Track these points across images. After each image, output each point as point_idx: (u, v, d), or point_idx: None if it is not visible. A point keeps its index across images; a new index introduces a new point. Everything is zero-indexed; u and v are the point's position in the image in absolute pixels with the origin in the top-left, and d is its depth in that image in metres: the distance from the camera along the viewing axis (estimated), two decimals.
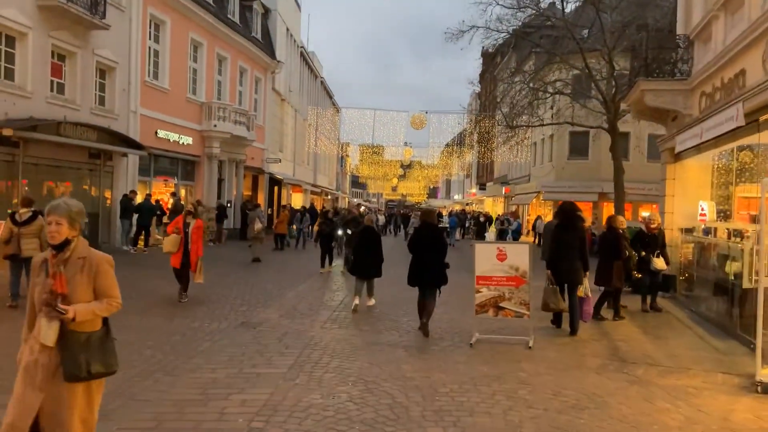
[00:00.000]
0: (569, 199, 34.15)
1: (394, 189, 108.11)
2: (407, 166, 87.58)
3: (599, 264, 9.45)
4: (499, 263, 7.59)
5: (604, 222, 16.35)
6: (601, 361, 6.97)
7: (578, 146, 35.02)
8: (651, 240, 9.99)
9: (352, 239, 12.09)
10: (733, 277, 8.50)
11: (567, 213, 8.51)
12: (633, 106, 12.42)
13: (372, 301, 10.64)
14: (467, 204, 66.01)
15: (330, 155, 54.68)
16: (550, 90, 27.71)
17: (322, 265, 15.64)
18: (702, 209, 10.88)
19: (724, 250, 9.22)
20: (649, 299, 10.42)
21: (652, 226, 10.01)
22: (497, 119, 30.30)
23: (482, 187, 59.97)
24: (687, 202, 11.23)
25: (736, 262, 8.62)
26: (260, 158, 30.49)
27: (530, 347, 7.41)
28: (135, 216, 17.52)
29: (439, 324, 8.86)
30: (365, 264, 10.45)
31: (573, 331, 8.22)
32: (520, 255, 7.56)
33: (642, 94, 11.11)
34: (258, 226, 17.18)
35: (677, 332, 8.96)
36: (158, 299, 10.28)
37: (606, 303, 9.62)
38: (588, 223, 17.38)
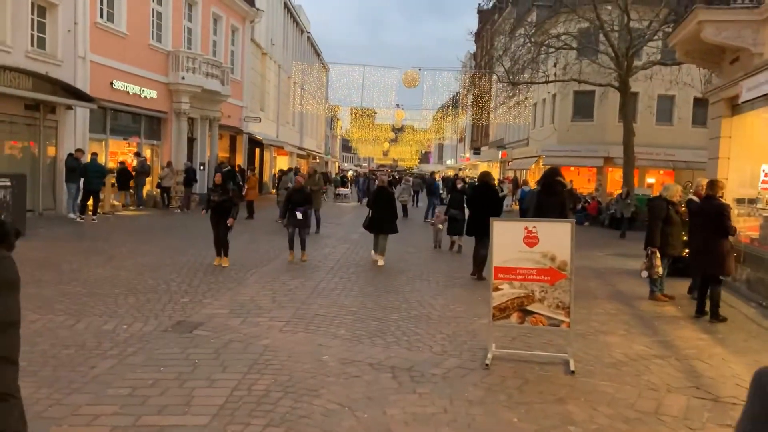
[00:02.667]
0: (573, 164, 32.11)
1: (385, 153, 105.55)
2: (399, 130, 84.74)
3: (705, 246, 7.11)
4: (527, 249, 5.32)
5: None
6: (685, 399, 4.74)
7: (583, 107, 32.58)
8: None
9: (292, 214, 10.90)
10: None
11: (547, 178, 8.86)
12: (681, 44, 10.06)
13: (381, 261, 10.97)
14: (460, 169, 63.68)
15: (318, 116, 51.87)
16: (556, 44, 25.15)
17: (291, 248, 10.94)
18: (766, 174, 8.66)
19: None
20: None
21: (703, 192, 7.78)
22: (498, 75, 27.70)
23: (476, 151, 57.51)
24: (746, 166, 8.99)
25: None
26: (238, 117, 27.86)
27: (573, 372, 5.19)
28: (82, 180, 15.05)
29: (441, 328, 6.64)
30: (381, 221, 11.18)
31: None
32: (559, 238, 5.29)
33: (699, 27, 8.72)
34: None
35: (761, 340, 6.80)
36: (77, 285, 7.96)
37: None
38: (570, 187, 15.11)
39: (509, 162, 42.78)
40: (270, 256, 11.30)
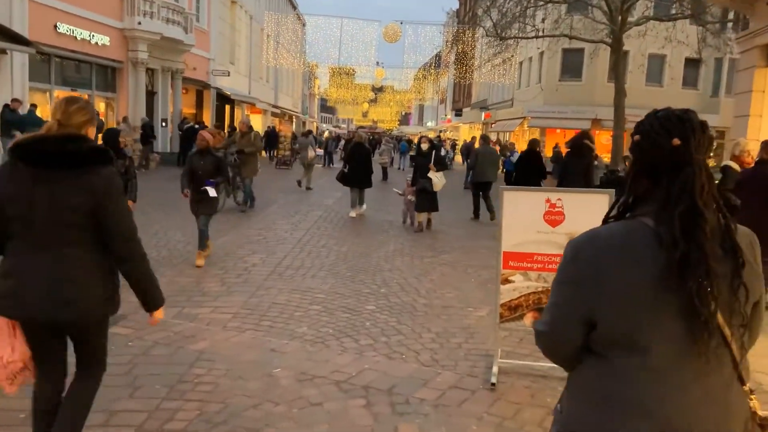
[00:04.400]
0: (559, 126, 30.77)
1: (364, 114, 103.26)
2: (379, 90, 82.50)
3: (761, 226, 5.53)
4: (548, 229, 3.95)
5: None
6: None
7: (572, 66, 31.10)
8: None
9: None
10: None
11: (576, 140, 8.98)
12: None
13: (363, 209, 11.57)
14: (441, 131, 62.07)
15: (294, 73, 49.57)
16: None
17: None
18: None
19: None
20: None
21: (748, 159, 6.42)
22: (485, 29, 25.98)
23: (458, 113, 55.80)
24: None
25: None
26: (205, 70, 25.83)
27: None
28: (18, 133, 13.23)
29: (428, 323, 5.28)
30: (358, 176, 11.55)
31: None
32: (592, 214, 3.88)
33: None
34: (311, 154, 16.25)
35: None
36: None
37: None
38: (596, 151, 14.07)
39: (492, 124, 41.31)
40: (228, 225, 9.83)
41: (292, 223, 10.36)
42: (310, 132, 22.33)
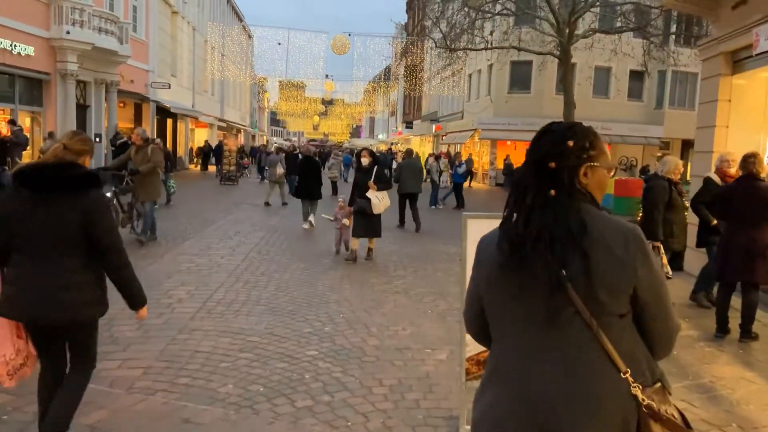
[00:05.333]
0: (509, 138, 30.73)
1: (315, 128, 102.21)
2: (329, 103, 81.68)
3: (750, 243, 5.21)
4: None
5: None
6: None
7: (520, 78, 31.16)
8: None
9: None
10: None
11: None
12: None
13: (307, 225, 11.57)
14: (392, 143, 61.75)
15: (242, 86, 48.33)
16: (493, 10, 23.42)
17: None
18: None
19: None
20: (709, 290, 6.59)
21: (731, 171, 5.95)
22: (435, 41, 25.66)
23: (409, 125, 55.56)
24: (748, 138, 7.32)
25: None
26: (143, 82, 24.52)
27: None
28: None
29: (380, 372, 4.50)
30: (308, 188, 11.86)
31: None
32: None
33: None
34: (280, 171, 16.48)
35: None
36: None
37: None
38: None
39: (443, 136, 41.12)
40: (160, 250, 8.83)
41: (230, 247, 9.44)
42: (280, 149, 21.54)
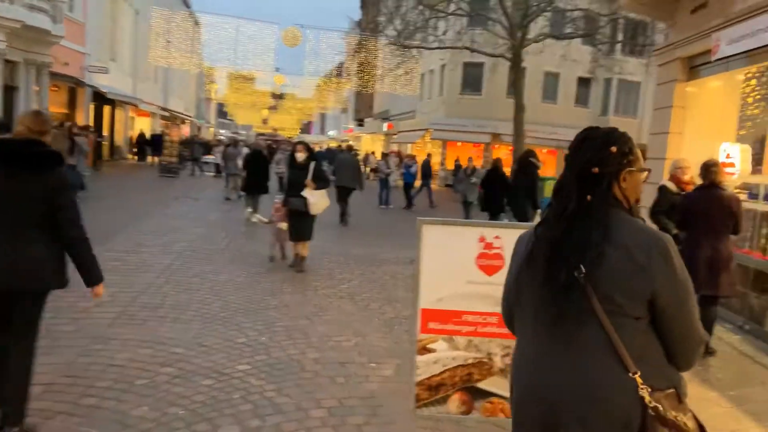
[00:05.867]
0: (460, 139, 30.77)
1: (264, 121, 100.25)
2: (279, 96, 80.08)
3: (714, 255, 4.97)
4: (484, 278, 2.88)
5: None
6: None
7: (472, 80, 31.20)
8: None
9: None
10: None
11: (522, 159, 9.60)
12: None
13: (254, 218, 10.62)
14: (343, 141, 61.18)
15: (188, 75, 46.65)
16: (447, 9, 23.32)
17: None
18: (728, 155, 6.96)
19: None
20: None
21: (685, 178, 5.76)
22: (389, 37, 25.35)
23: (360, 123, 55.13)
24: (702, 145, 7.23)
25: None
26: (79, 65, 23.09)
27: None
28: None
29: (319, 391, 4.02)
30: (256, 182, 11.77)
31: None
32: None
33: None
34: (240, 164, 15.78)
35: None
36: None
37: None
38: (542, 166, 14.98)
39: (395, 135, 40.86)
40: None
41: (163, 244, 8.75)
42: (239, 142, 20.76)
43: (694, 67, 7.40)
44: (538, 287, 1.66)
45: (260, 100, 74.62)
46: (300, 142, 8.46)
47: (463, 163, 28.46)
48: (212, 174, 23.27)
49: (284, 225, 7.98)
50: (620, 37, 27.36)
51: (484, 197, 11.30)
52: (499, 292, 2.75)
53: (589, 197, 1.64)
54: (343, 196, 12.84)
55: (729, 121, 7.29)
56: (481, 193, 11.63)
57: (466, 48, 23.79)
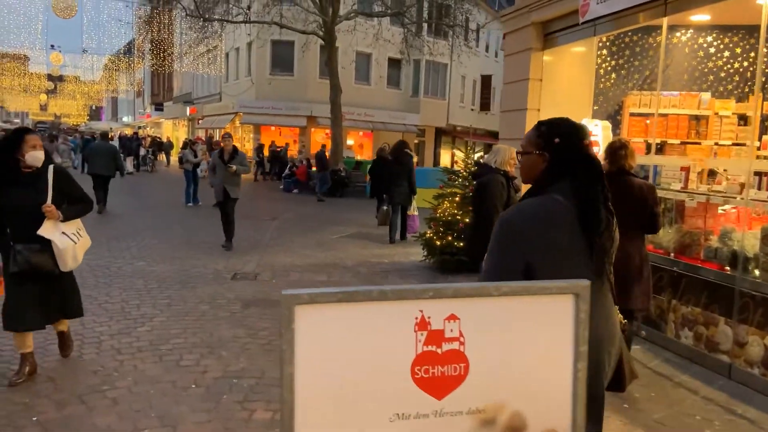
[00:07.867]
0: (274, 123, 28.79)
1: (43, 107, 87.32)
2: (58, 79, 69.81)
3: (623, 258, 3.48)
4: (429, 401, 1.32)
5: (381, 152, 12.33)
6: None
7: (283, 59, 29.26)
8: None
9: None
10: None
11: (397, 149, 10.52)
12: None
13: None
14: (140, 127, 55.21)
15: None
16: None
17: None
18: (590, 133, 6.28)
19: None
20: None
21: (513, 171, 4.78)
22: (186, 9, 22.42)
23: (159, 107, 49.88)
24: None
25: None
26: None
27: None
28: None
29: None
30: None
31: (402, 236, 10.30)
32: (540, 354, 1.39)
33: None
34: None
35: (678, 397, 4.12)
36: None
37: None
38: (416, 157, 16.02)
39: (200, 119, 37.35)
40: None
41: None
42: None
43: (550, 33, 6.56)
44: (587, 252, 2.01)
45: (36, 84, 64.70)
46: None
47: (279, 147, 26.70)
48: None
49: None
50: (426, 15, 27.50)
51: (372, 184, 12.24)
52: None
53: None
54: (102, 183, 12.69)
55: (586, 95, 6.60)
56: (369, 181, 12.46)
57: (275, 23, 21.93)
